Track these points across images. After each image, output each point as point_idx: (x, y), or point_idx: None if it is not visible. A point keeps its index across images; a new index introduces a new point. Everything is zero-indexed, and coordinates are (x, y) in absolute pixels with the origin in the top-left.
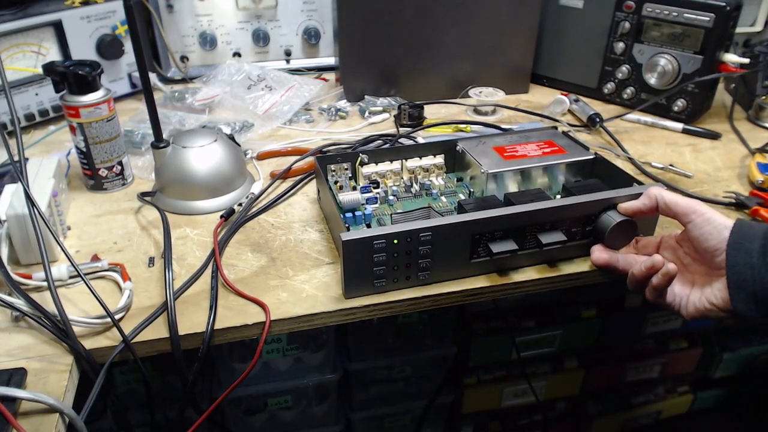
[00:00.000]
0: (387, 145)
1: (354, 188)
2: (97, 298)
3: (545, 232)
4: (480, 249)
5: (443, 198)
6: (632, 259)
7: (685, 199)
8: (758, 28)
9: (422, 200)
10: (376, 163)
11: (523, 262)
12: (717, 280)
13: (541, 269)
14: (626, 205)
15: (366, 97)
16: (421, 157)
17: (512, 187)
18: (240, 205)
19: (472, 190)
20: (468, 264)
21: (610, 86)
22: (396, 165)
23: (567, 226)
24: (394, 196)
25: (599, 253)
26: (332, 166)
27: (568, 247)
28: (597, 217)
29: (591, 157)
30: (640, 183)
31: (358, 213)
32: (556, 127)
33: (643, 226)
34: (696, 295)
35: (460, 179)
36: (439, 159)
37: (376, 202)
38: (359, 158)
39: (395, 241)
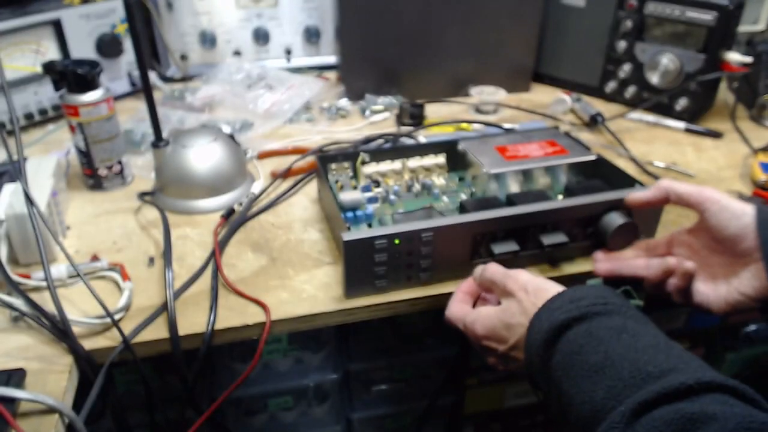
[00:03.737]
0: (388, 145)
1: (355, 187)
2: (96, 298)
3: (547, 233)
4: (481, 249)
5: (445, 198)
6: (641, 263)
7: (698, 188)
8: (761, 26)
9: (423, 200)
10: (377, 163)
11: (524, 263)
12: (743, 268)
13: (541, 269)
14: (634, 195)
15: (367, 95)
16: (422, 157)
17: (514, 187)
18: (240, 204)
19: (473, 189)
20: (469, 264)
21: (612, 85)
22: (397, 164)
23: (568, 227)
24: (395, 195)
25: (602, 263)
26: (333, 166)
27: (570, 248)
28: (598, 218)
29: (593, 157)
30: (642, 184)
31: (359, 212)
32: (557, 127)
33: (644, 228)
34: (723, 288)
35: (461, 179)
36: (441, 158)
37: (377, 202)
38: (360, 157)
39: (396, 241)
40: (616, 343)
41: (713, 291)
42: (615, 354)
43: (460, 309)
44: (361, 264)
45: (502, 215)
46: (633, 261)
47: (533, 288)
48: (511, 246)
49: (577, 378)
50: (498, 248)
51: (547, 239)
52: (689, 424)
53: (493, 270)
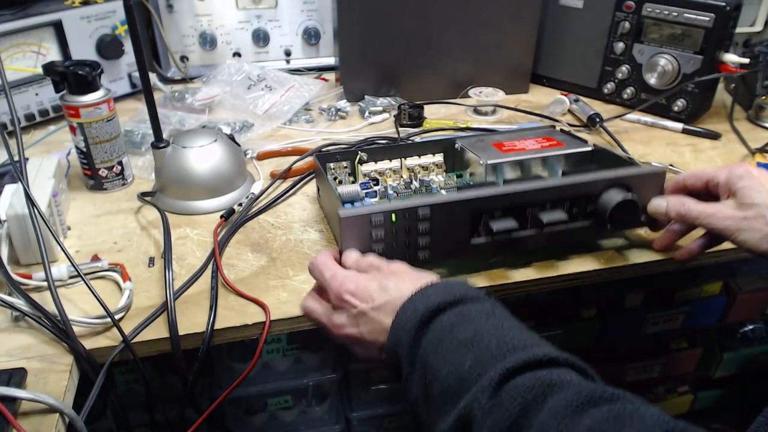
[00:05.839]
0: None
1: (353, 183)
2: (97, 298)
3: (546, 212)
4: (480, 228)
5: (443, 192)
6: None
7: (708, 213)
8: (758, 28)
9: (422, 196)
10: (375, 162)
11: (525, 244)
12: None
13: (540, 269)
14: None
15: (366, 97)
16: (420, 156)
17: (511, 178)
18: (240, 205)
19: (471, 184)
20: (468, 244)
21: (610, 86)
22: (395, 163)
23: (568, 206)
24: (393, 191)
25: (680, 252)
26: (332, 165)
27: (571, 229)
28: (597, 197)
29: (590, 148)
30: (638, 164)
31: (357, 204)
32: (554, 126)
33: (645, 206)
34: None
35: (459, 176)
36: (439, 157)
37: (376, 196)
38: (358, 156)
39: (393, 218)
40: (485, 322)
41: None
42: (484, 331)
43: (332, 263)
44: (358, 241)
45: (500, 192)
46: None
47: (416, 273)
48: (510, 224)
49: (445, 352)
50: (496, 225)
51: (546, 217)
52: (548, 389)
53: (376, 256)
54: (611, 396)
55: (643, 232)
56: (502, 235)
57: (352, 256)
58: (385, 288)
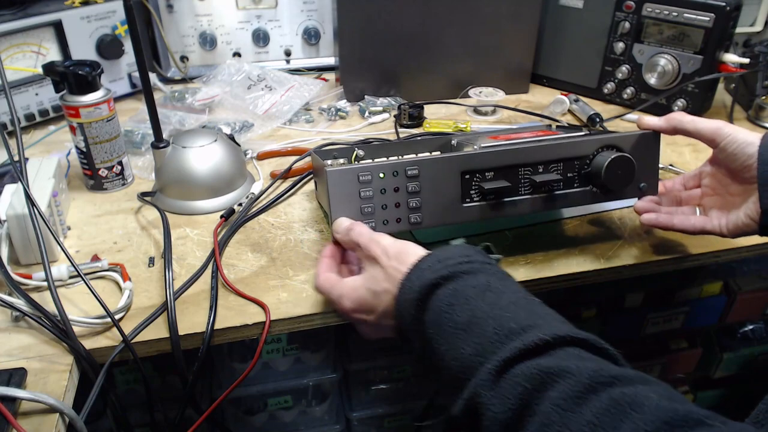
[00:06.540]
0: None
1: None
2: (97, 298)
3: (539, 174)
4: (472, 191)
5: None
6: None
7: (708, 123)
8: (758, 28)
9: None
10: (373, 160)
11: (519, 209)
12: (753, 194)
13: (540, 269)
14: (644, 119)
15: (366, 97)
16: (417, 154)
17: None
18: (240, 205)
19: None
20: (461, 208)
21: (610, 86)
22: (393, 160)
23: (562, 169)
24: None
25: (647, 215)
26: (329, 161)
27: (568, 194)
28: (591, 159)
29: (583, 133)
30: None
31: None
32: (550, 126)
33: (644, 170)
34: (735, 214)
35: None
36: (436, 155)
37: None
38: (354, 153)
39: (381, 175)
40: (481, 301)
41: (725, 216)
42: (480, 312)
43: (327, 279)
44: (346, 201)
45: (489, 151)
46: (669, 216)
47: (395, 252)
48: (502, 183)
49: (447, 336)
50: (488, 185)
51: (539, 178)
52: (547, 378)
53: (359, 231)
54: (610, 380)
55: (643, 232)
56: (494, 197)
57: (341, 228)
58: (376, 294)
